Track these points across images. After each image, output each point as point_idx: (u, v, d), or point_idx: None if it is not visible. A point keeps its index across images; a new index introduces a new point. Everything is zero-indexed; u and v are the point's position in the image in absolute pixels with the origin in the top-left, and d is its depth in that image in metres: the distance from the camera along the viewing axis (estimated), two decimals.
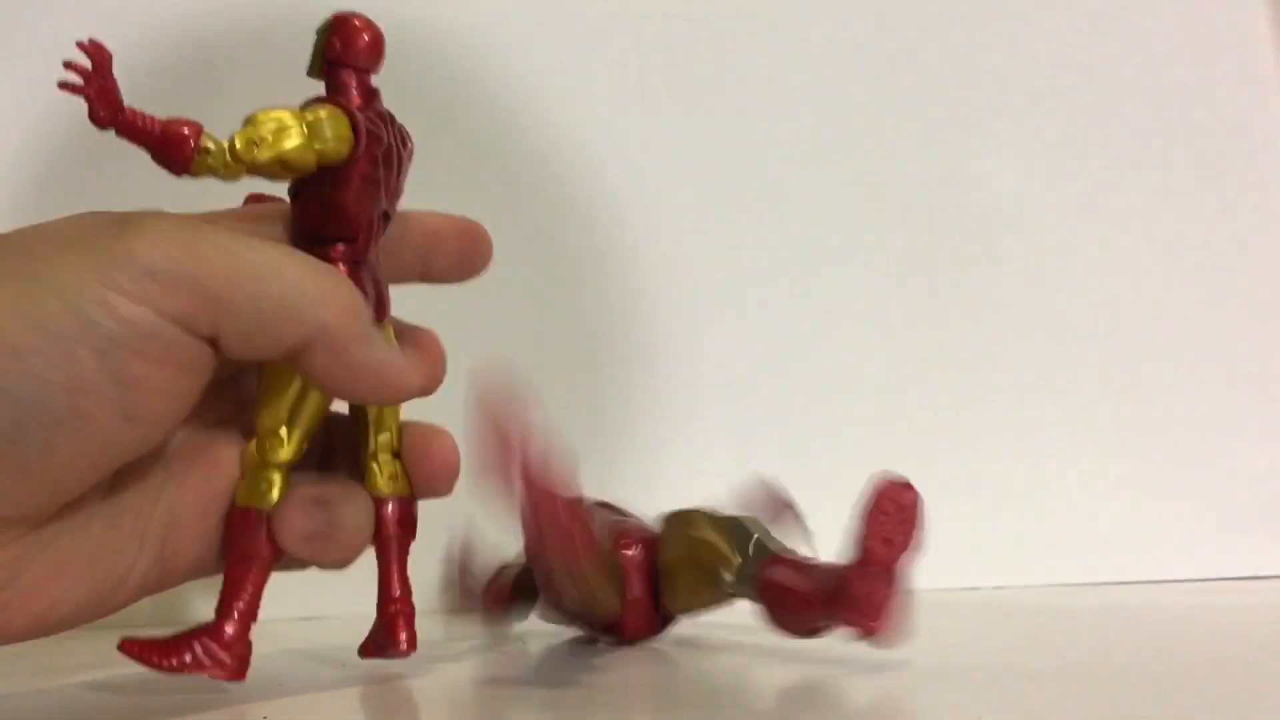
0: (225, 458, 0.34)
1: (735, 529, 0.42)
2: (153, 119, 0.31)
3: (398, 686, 0.38)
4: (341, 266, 0.33)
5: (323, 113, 0.33)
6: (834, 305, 0.66)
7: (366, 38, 0.35)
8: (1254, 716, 0.29)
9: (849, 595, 0.35)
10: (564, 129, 0.65)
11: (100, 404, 0.27)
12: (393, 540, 0.36)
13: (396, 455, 0.36)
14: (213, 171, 0.31)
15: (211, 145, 0.31)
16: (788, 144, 0.67)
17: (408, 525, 0.36)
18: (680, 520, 0.44)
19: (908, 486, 0.36)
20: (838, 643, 0.41)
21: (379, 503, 0.35)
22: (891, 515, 0.36)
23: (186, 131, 0.31)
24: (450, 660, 0.43)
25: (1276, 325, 0.66)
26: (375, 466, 0.35)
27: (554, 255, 0.65)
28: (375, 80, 0.36)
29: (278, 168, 0.32)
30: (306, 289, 0.30)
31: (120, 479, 0.31)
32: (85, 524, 0.31)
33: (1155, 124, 0.68)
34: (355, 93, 0.35)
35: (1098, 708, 0.31)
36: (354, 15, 0.35)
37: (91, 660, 0.41)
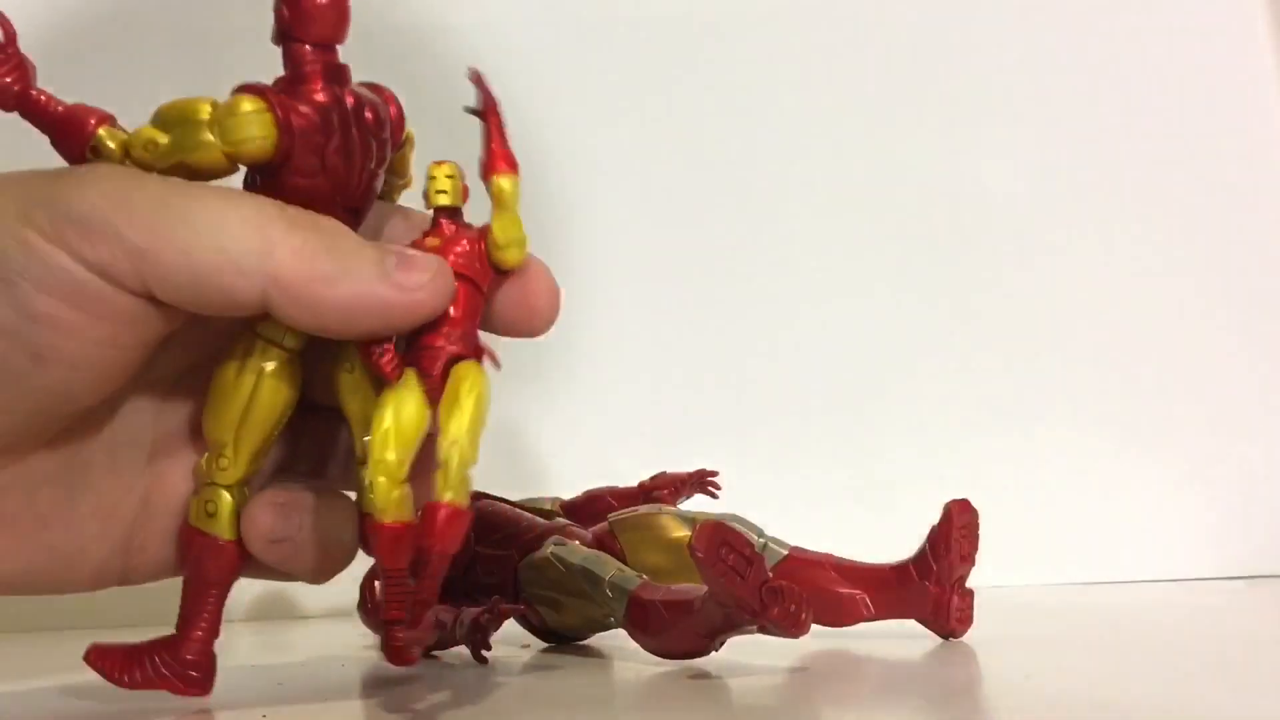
0: None
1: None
2: (57, 103, 0.29)
3: (397, 686, 0.38)
4: None
5: (244, 106, 0.29)
6: (833, 306, 0.66)
7: (320, 3, 0.30)
8: (1254, 716, 0.29)
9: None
10: (563, 129, 0.65)
11: (3, 336, 0.27)
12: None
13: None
14: None
15: (111, 144, 0.29)
16: (787, 144, 0.67)
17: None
18: (636, 525, 0.44)
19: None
20: (836, 643, 0.41)
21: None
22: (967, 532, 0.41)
23: (92, 123, 0.29)
24: (450, 660, 0.43)
25: (1276, 325, 0.66)
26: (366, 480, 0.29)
27: (555, 256, 0.65)
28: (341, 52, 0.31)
29: (184, 172, 0.29)
30: (248, 236, 0.27)
31: (86, 456, 0.31)
32: (32, 486, 0.30)
33: (1155, 124, 0.68)
34: (310, 70, 0.30)
35: (1098, 707, 0.31)
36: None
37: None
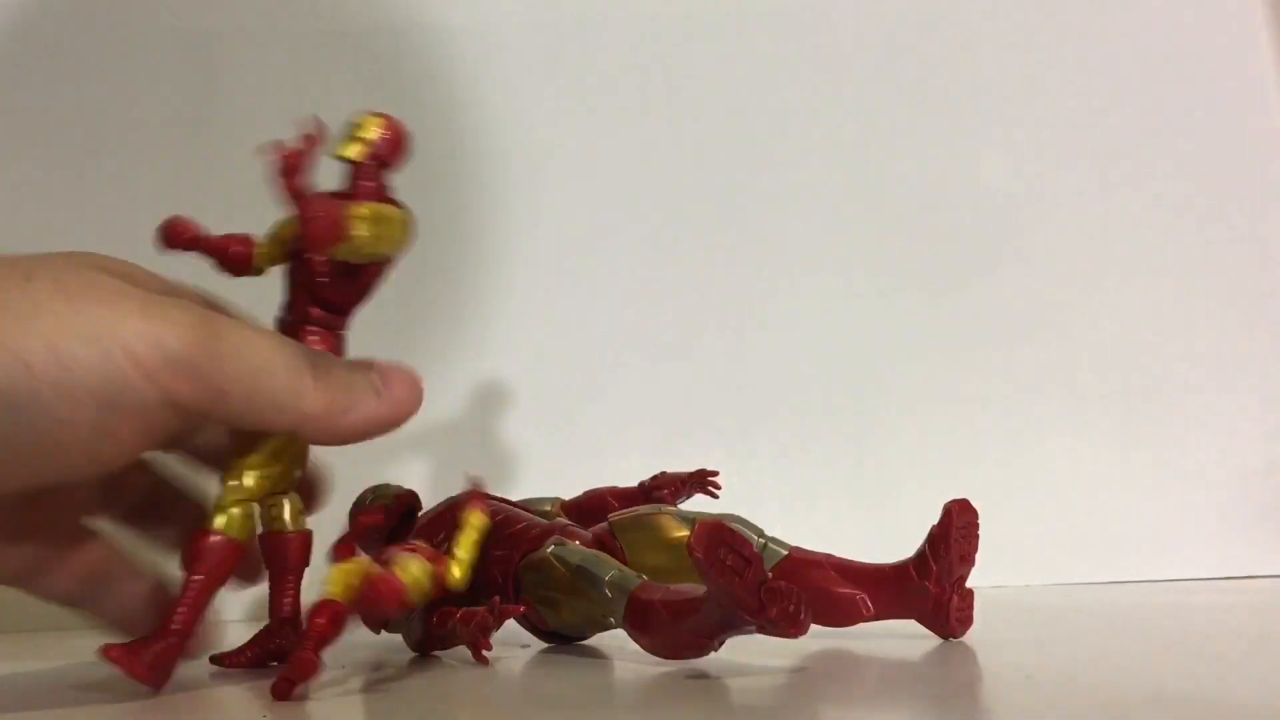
0: None
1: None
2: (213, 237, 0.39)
3: (398, 687, 0.38)
4: (344, 333, 0.39)
5: (398, 215, 0.38)
6: (833, 306, 0.66)
7: (401, 140, 0.38)
8: (1253, 716, 0.29)
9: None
10: (563, 129, 0.65)
11: (78, 444, 0.32)
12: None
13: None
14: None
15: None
16: (785, 144, 0.67)
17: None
18: (636, 525, 0.44)
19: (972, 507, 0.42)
20: (836, 643, 0.41)
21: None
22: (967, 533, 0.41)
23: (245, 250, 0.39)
24: (450, 660, 0.43)
25: (1276, 325, 0.66)
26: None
27: (554, 256, 0.65)
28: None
29: (357, 256, 0.38)
30: (290, 386, 0.35)
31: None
32: None
33: (1155, 124, 0.68)
34: (383, 193, 0.38)
35: (1098, 707, 0.31)
36: (389, 119, 0.38)
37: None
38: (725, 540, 0.33)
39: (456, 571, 0.39)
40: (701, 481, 0.49)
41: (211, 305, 0.37)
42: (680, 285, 0.66)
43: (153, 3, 0.64)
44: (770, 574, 0.41)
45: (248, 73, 0.63)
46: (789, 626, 0.34)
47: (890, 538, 0.42)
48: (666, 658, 0.38)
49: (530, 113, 0.65)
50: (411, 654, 0.45)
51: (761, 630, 0.34)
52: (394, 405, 0.37)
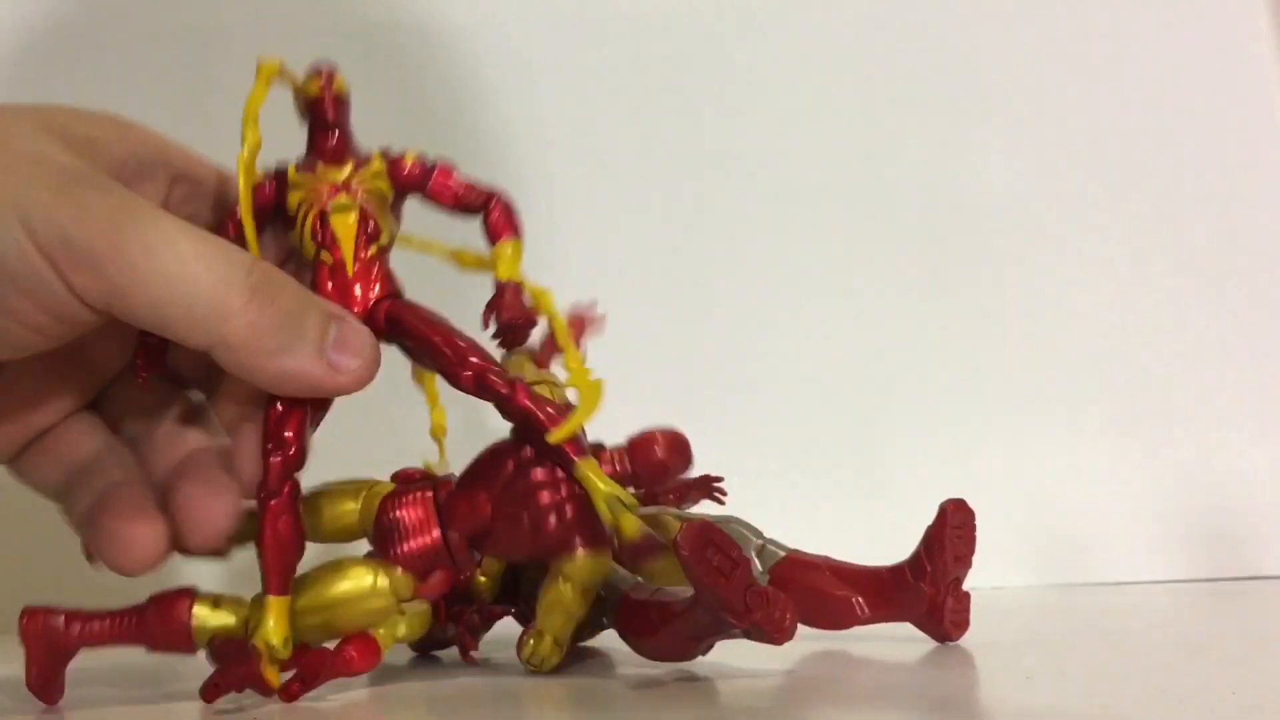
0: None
1: (726, 531, 0.42)
2: None
3: (395, 687, 0.38)
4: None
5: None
6: (832, 306, 0.66)
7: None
8: (1254, 717, 0.29)
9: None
10: (561, 128, 0.65)
11: None
12: None
13: None
14: None
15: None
16: (784, 145, 0.67)
17: None
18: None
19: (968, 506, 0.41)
20: (834, 645, 0.41)
21: None
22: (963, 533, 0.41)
23: None
24: (450, 661, 0.43)
25: (1276, 325, 0.66)
26: None
27: (554, 256, 0.65)
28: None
29: None
30: (212, 300, 0.30)
31: None
32: None
33: (1155, 124, 0.68)
34: None
35: (1098, 707, 0.31)
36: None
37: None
38: (713, 540, 0.33)
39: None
40: (707, 487, 0.49)
41: (166, 192, 0.34)
42: (680, 286, 0.66)
43: (153, 2, 0.64)
44: (767, 575, 0.41)
45: (247, 71, 0.63)
46: (774, 631, 0.34)
47: (891, 538, 0.42)
48: (655, 659, 0.38)
49: (531, 112, 0.65)
50: (412, 654, 0.45)
51: (747, 635, 0.34)
52: (331, 371, 0.32)
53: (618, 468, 0.44)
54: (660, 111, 0.67)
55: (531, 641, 0.38)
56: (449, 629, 0.41)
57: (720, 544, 0.33)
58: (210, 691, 0.34)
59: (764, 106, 0.67)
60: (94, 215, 0.29)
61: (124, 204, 0.30)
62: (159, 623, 0.35)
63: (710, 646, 0.37)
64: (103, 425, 0.36)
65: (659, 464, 0.44)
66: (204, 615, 0.35)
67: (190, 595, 0.36)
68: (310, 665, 0.35)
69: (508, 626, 0.42)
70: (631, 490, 0.43)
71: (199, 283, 0.30)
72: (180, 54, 0.64)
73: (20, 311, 0.29)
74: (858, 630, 0.41)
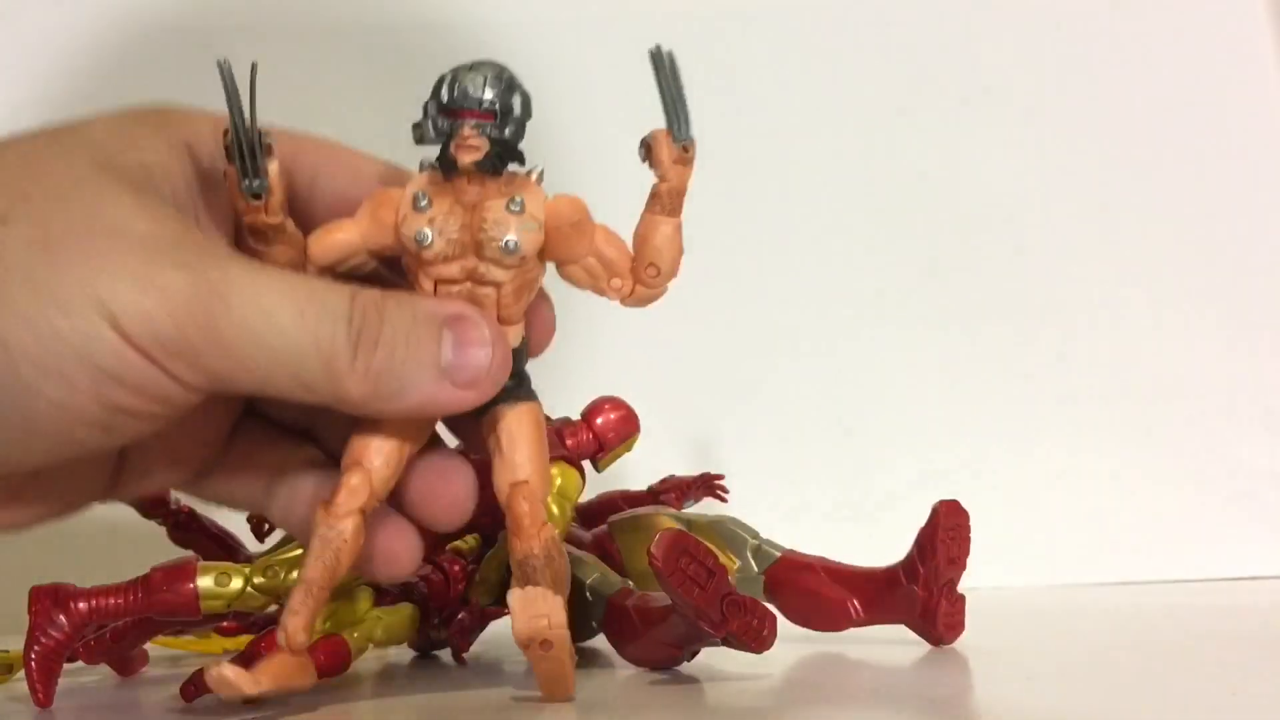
0: None
1: (720, 531, 0.42)
2: None
3: (395, 686, 0.38)
4: None
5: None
6: (833, 306, 0.66)
7: None
8: (1254, 717, 0.29)
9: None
10: (562, 128, 0.65)
11: (82, 421, 0.28)
12: None
13: None
14: None
15: None
16: (782, 150, 0.67)
17: None
18: (633, 526, 0.43)
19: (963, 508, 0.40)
20: (832, 647, 0.41)
21: None
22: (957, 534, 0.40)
23: None
24: (449, 661, 0.43)
25: (1276, 325, 0.66)
26: None
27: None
28: None
29: None
30: (319, 366, 0.28)
31: None
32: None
33: (1156, 125, 0.68)
34: None
35: (1098, 708, 0.31)
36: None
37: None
38: (687, 549, 0.33)
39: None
40: (708, 485, 0.49)
41: (234, 232, 0.31)
42: (679, 286, 0.66)
43: (153, 2, 0.64)
44: (763, 575, 0.41)
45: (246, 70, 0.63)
46: (751, 640, 0.33)
47: (891, 539, 0.42)
48: (639, 665, 0.38)
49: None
50: (412, 654, 0.45)
51: (725, 643, 0.34)
52: (462, 384, 0.30)
53: (584, 437, 0.45)
54: (660, 112, 0.66)
55: None
56: (441, 631, 0.41)
57: (695, 553, 0.33)
58: (189, 691, 0.34)
59: (762, 106, 0.67)
60: (183, 303, 0.27)
61: (210, 281, 0.28)
62: (168, 591, 0.36)
63: (695, 653, 0.37)
64: (269, 426, 0.34)
65: (616, 421, 0.46)
66: (209, 582, 0.36)
67: (194, 564, 0.37)
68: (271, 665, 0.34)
69: (507, 626, 0.42)
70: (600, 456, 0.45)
71: (304, 353, 0.28)
72: (180, 52, 0.63)
73: (129, 406, 0.28)
74: (856, 632, 0.41)
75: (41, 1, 0.63)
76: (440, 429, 0.33)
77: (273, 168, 0.29)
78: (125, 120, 0.31)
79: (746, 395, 0.65)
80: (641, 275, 0.32)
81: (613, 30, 0.66)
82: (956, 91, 0.67)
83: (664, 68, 0.32)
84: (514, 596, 0.30)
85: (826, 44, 0.68)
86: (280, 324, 0.28)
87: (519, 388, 0.31)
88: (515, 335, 0.31)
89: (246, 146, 0.29)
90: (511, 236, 0.30)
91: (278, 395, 0.29)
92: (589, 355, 0.64)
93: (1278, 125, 0.68)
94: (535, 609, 0.30)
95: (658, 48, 0.32)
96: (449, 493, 0.32)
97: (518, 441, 0.31)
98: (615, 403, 0.46)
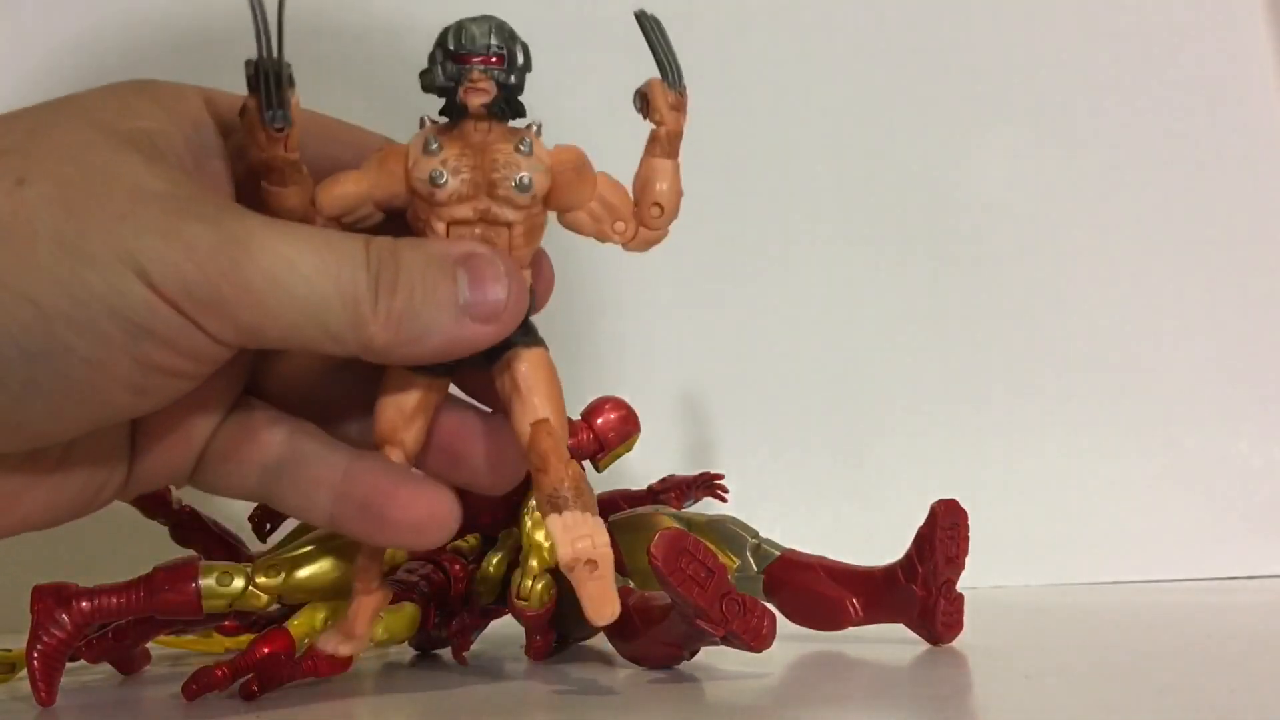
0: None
1: (719, 530, 0.42)
2: None
3: (395, 686, 0.38)
4: None
5: None
6: (833, 306, 0.66)
7: None
8: (1254, 716, 0.29)
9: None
10: (562, 128, 0.65)
11: (116, 380, 0.28)
12: None
13: None
14: None
15: None
16: (781, 145, 0.67)
17: None
18: (632, 525, 0.44)
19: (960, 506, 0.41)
20: (831, 646, 0.41)
21: None
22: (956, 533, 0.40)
23: None
24: (449, 661, 0.43)
25: (1276, 325, 0.66)
26: None
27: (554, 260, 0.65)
28: None
29: None
30: (344, 313, 0.29)
31: None
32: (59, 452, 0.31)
33: (1155, 124, 0.68)
34: None
35: (1098, 707, 0.31)
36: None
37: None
38: (687, 549, 0.33)
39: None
40: (708, 485, 0.49)
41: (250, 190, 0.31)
42: (678, 286, 0.66)
43: (153, 2, 0.64)
44: (762, 575, 0.41)
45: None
46: (751, 639, 0.34)
47: (891, 539, 0.42)
48: (639, 664, 0.38)
49: (530, 111, 0.65)
50: (412, 653, 0.45)
51: (725, 642, 0.34)
52: (482, 319, 0.30)
53: (584, 437, 0.45)
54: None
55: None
56: (441, 630, 0.41)
57: (695, 552, 0.33)
58: (190, 690, 0.35)
59: (762, 106, 0.67)
60: (209, 254, 0.27)
61: (233, 233, 0.28)
62: (170, 590, 0.36)
63: (695, 652, 0.37)
64: (270, 407, 0.34)
65: (616, 421, 0.45)
66: (211, 582, 0.36)
67: (196, 564, 0.37)
68: (270, 666, 0.35)
69: (509, 627, 0.42)
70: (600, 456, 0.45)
71: (329, 300, 0.28)
72: (180, 51, 0.64)
73: (162, 362, 0.28)
74: (855, 631, 0.41)
75: (42, 1, 0.63)
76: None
77: (295, 100, 0.30)
78: (120, 90, 0.31)
79: (746, 395, 0.65)
80: (645, 216, 0.33)
81: (614, 31, 0.66)
82: (956, 93, 0.67)
83: (650, 26, 0.34)
84: (554, 522, 0.30)
85: (828, 46, 0.68)
86: (303, 272, 0.28)
87: (527, 335, 0.31)
88: (525, 278, 0.32)
89: (272, 77, 0.29)
90: (524, 174, 0.31)
91: (305, 347, 0.29)
92: (589, 355, 0.64)
93: (1278, 125, 0.68)
94: (578, 530, 0.30)
95: (642, 11, 0.34)
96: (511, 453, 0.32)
97: (533, 384, 0.31)
98: (615, 403, 0.46)
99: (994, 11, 0.68)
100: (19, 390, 0.27)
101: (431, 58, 0.31)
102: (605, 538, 0.31)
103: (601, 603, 0.31)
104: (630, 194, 0.33)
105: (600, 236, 0.33)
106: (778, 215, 0.67)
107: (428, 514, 0.31)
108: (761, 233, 0.66)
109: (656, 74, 0.33)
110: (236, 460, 0.33)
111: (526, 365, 0.31)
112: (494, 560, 0.42)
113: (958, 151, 0.67)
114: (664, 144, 0.34)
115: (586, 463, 0.46)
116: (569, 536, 0.30)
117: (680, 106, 0.34)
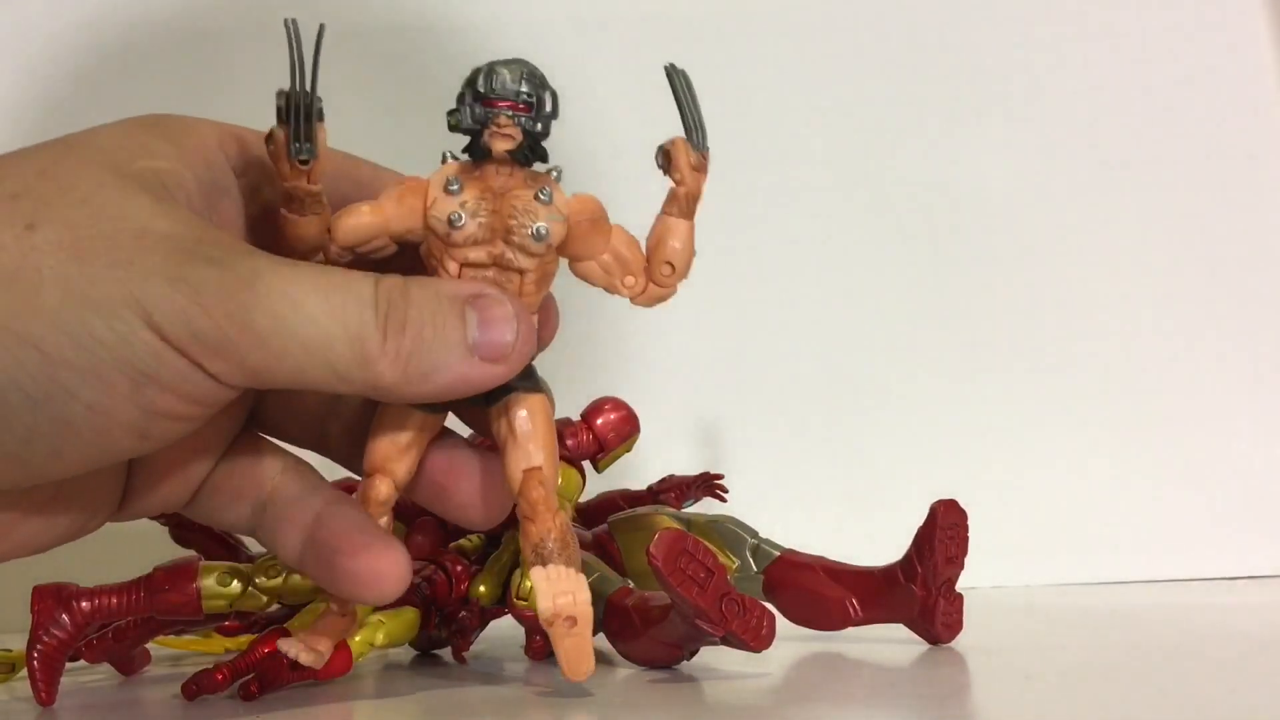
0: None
1: (719, 530, 0.42)
2: None
3: (395, 686, 0.38)
4: None
5: None
6: (833, 306, 0.66)
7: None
8: (1254, 716, 0.29)
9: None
10: (563, 128, 0.65)
11: (119, 424, 0.28)
12: None
13: None
14: None
15: None
16: (779, 144, 0.67)
17: None
18: (632, 525, 0.44)
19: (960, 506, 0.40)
20: (831, 646, 0.41)
21: None
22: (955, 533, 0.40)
23: None
24: (449, 661, 0.43)
25: (1276, 325, 0.66)
26: None
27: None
28: None
29: None
30: (350, 354, 0.29)
31: None
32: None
33: (1155, 124, 0.68)
34: None
35: (1098, 707, 0.31)
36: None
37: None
38: (687, 549, 0.33)
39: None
40: (708, 485, 0.49)
41: (261, 229, 0.32)
42: (681, 286, 0.66)
43: (154, 3, 0.64)
44: (762, 574, 0.41)
45: (247, 71, 0.63)
46: (751, 639, 0.34)
47: (891, 539, 0.42)
48: (639, 664, 0.38)
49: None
50: (413, 653, 0.45)
51: (725, 642, 0.34)
52: (490, 359, 0.30)
53: (584, 437, 0.45)
54: (660, 112, 0.66)
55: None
56: (440, 630, 0.41)
57: (695, 552, 0.33)
58: (190, 690, 0.35)
59: (762, 106, 0.67)
60: (215, 298, 0.27)
61: (239, 276, 0.28)
62: (170, 591, 0.36)
63: (695, 652, 0.37)
64: (269, 442, 0.35)
65: (616, 421, 0.46)
66: (211, 582, 0.36)
67: (196, 564, 0.37)
68: (270, 667, 0.35)
69: (509, 627, 0.42)
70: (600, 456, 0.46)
71: (335, 341, 0.28)
72: (180, 51, 0.64)
73: (166, 408, 0.28)
74: (853, 631, 0.41)
75: (41, 1, 0.63)
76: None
77: (322, 135, 0.30)
78: (132, 128, 0.31)
79: (746, 395, 0.65)
80: (656, 274, 0.34)
81: (615, 34, 0.66)
82: (956, 93, 0.67)
83: (679, 83, 0.34)
84: (538, 575, 0.31)
85: (830, 48, 0.68)
86: (309, 313, 0.28)
87: (528, 379, 0.32)
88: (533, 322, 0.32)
89: (303, 110, 0.29)
90: (541, 224, 0.31)
91: (312, 387, 0.29)
92: (589, 355, 0.64)
93: (1278, 125, 0.68)
94: (560, 586, 0.30)
95: (672, 65, 0.34)
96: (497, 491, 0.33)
97: (530, 431, 0.31)
98: (615, 403, 0.46)
99: (994, 11, 0.68)
100: (22, 433, 0.28)
101: (460, 98, 0.31)
102: (587, 594, 0.31)
103: (578, 660, 0.31)
104: (643, 249, 0.34)
105: (609, 288, 0.33)
106: (777, 216, 0.67)
107: (372, 571, 0.32)
108: (761, 233, 0.66)
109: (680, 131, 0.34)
110: (231, 495, 0.34)
111: (525, 411, 0.31)
112: (496, 562, 0.42)
113: (958, 151, 0.67)
114: (682, 204, 0.34)
115: (587, 463, 0.46)
116: (551, 590, 0.30)
117: (702, 167, 0.34)
